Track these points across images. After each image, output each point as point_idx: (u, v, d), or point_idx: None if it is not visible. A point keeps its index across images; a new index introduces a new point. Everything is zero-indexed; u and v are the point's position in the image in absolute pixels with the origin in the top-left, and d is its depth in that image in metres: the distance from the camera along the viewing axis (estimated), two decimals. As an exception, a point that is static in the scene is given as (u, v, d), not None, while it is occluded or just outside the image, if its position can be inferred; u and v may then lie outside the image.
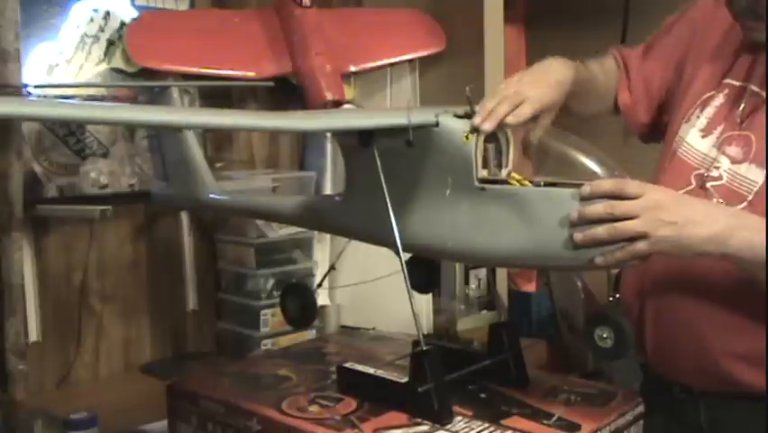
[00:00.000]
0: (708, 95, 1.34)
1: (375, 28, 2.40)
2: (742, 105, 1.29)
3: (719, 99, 1.32)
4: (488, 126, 1.18)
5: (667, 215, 1.10)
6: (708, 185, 1.26)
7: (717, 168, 1.27)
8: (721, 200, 1.24)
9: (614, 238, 1.09)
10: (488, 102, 1.20)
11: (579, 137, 1.22)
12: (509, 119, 1.19)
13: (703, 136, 1.32)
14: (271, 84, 2.12)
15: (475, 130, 1.18)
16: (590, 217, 1.09)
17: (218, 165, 2.14)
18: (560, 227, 1.11)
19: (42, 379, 1.91)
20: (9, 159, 1.75)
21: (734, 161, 1.26)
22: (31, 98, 1.78)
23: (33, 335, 1.86)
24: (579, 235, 1.10)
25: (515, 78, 1.27)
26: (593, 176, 1.15)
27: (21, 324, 1.78)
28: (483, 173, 1.20)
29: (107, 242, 2.02)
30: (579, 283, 2.17)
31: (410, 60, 2.40)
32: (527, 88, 1.23)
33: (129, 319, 2.06)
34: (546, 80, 1.27)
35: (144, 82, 1.99)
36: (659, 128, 1.49)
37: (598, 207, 1.09)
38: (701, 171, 1.29)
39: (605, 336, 1.16)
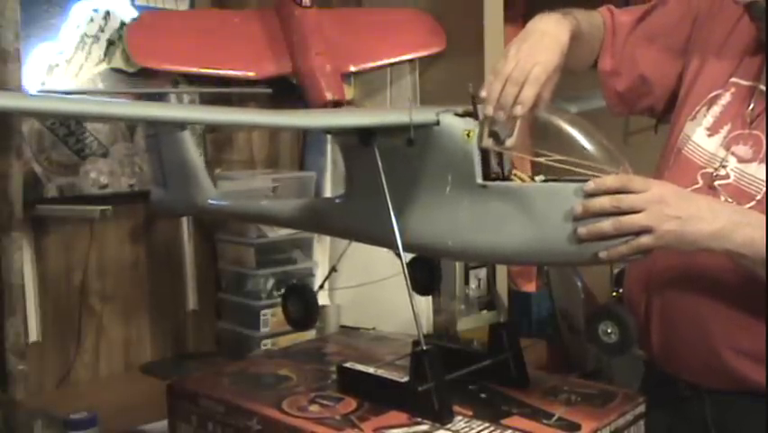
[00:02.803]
0: (715, 93, 1.33)
1: (375, 28, 2.40)
2: (751, 105, 1.28)
3: (726, 98, 1.32)
4: (502, 115, 1.18)
5: (671, 209, 1.10)
6: (716, 184, 1.26)
7: (725, 167, 1.27)
8: (730, 199, 1.24)
9: (619, 232, 1.09)
10: (494, 84, 1.19)
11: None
12: (516, 110, 1.18)
13: (709, 135, 1.31)
14: (269, 91, 2.13)
15: (486, 118, 1.19)
16: (595, 211, 1.09)
17: (217, 171, 2.14)
18: (563, 222, 1.11)
19: (42, 379, 1.91)
20: (9, 159, 1.75)
21: (741, 160, 1.26)
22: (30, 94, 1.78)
23: (33, 335, 1.86)
24: (583, 230, 1.10)
25: (512, 50, 1.23)
26: (595, 159, 1.14)
27: (21, 324, 1.78)
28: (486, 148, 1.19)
29: (107, 242, 2.02)
30: (579, 283, 2.16)
31: (410, 60, 2.40)
32: (528, 59, 1.21)
33: (129, 319, 2.06)
34: (545, 46, 1.24)
35: (145, 89, 1.99)
36: (633, 106, 1.48)
37: (604, 201, 1.09)
38: (709, 170, 1.28)
39: (609, 331, 1.14)
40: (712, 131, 1.31)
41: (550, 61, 1.23)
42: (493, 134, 1.19)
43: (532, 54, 1.22)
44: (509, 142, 1.20)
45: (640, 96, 1.47)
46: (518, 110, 1.18)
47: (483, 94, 1.20)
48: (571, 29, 1.30)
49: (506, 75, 1.19)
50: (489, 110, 1.18)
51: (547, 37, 1.26)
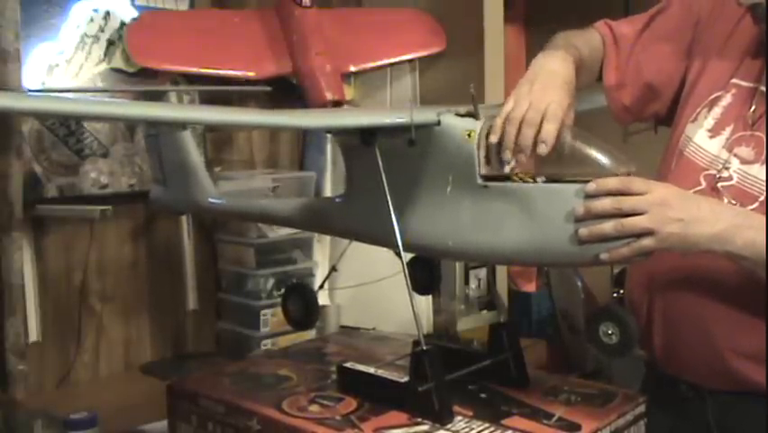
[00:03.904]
0: (716, 95, 1.33)
1: (375, 28, 2.41)
2: (752, 107, 1.28)
3: (727, 99, 1.32)
4: (523, 159, 1.15)
5: (673, 211, 1.10)
6: (719, 185, 1.26)
7: (728, 168, 1.27)
8: (733, 201, 1.24)
9: (620, 234, 1.09)
10: (508, 128, 1.16)
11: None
12: (541, 149, 1.15)
13: (711, 137, 1.31)
14: (268, 89, 2.13)
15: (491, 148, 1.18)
16: (597, 213, 1.09)
17: (217, 169, 2.14)
18: (564, 223, 1.11)
19: (42, 379, 1.91)
20: (9, 159, 1.75)
21: (744, 162, 1.26)
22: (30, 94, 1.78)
23: (33, 335, 1.86)
24: (584, 231, 1.10)
25: (523, 90, 1.21)
26: (603, 168, 1.13)
27: (21, 324, 1.78)
28: (486, 170, 1.19)
29: (107, 242, 2.02)
30: (579, 283, 2.17)
31: (410, 60, 2.40)
32: (541, 99, 1.18)
33: (129, 319, 2.06)
34: (555, 84, 1.23)
35: (145, 87, 1.99)
36: (639, 115, 1.48)
37: (606, 203, 1.09)
38: (712, 172, 1.28)
39: (610, 332, 1.14)
40: (714, 132, 1.31)
41: (564, 98, 1.21)
42: (492, 160, 1.19)
43: (544, 94, 1.19)
44: (508, 168, 1.20)
45: (647, 104, 1.46)
46: (543, 148, 1.15)
47: (494, 138, 1.17)
48: (576, 62, 1.30)
49: (519, 118, 1.16)
50: (508, 155, 1.16)
51: (557, 77, 1.24)
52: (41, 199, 1.87)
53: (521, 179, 1.19)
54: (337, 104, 2.12)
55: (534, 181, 1.18)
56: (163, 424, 1.43)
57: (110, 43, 1.98)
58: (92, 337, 2.00)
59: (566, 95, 1.23)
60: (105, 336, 2.02)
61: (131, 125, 1.98)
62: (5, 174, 1.74)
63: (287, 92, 2.19)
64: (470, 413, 1.20)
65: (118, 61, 2.00)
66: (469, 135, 1.19)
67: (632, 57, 1.45)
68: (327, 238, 2.16)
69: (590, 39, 1.45)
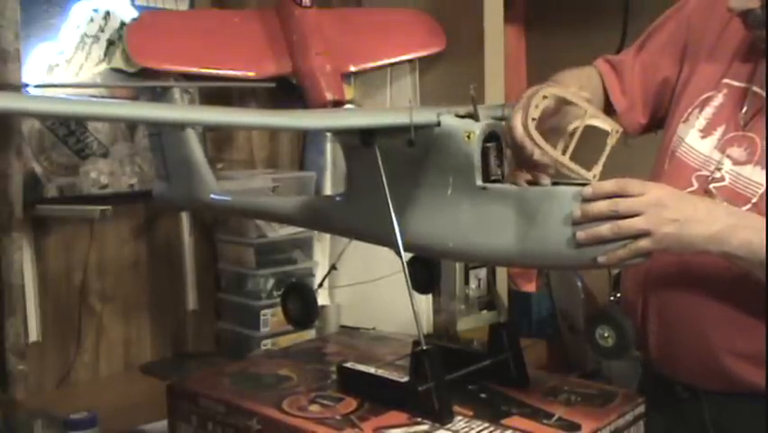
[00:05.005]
0: (708, 95, 1.34)
1: (375, 28, 2.41)
2: (744, 107, 1.28)
3: (718, 99, 1.32)
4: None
5: (669, 212, 1.10)
6: (711, 186, 1.26)
7: (720, 169, 1.27)
8: (725, 202, 1.24)
9: (617, 236, 1.09)
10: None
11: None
12: None
13: (703, 137, 1.31)
14: (272, 85, 2.13)
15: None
16: (594, 215, 1.10)
17: (219, 166, 2.14)
18: (562, 226, 1.12)
19: (42, 379, 1.91)
20: (9, 159, 1.75)
21: (736, 163, 1.26)
22: (29, 94, 1.78)
23: (33, 335, 1.86)
24: (582, 234, 1.10)
25: None
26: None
27: (21, 324, 1.78)
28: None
29: (107, 242, 2.02)
30: (579, 283, 2.17)
31: (410, 60, 2.40)
32: None
33: (129, 319, 2.06)
34: None
35: (145, 82, 1.99)
36: (652, 125, 1.49)
37: (602, 205, 1.09)
38: (704, 173, 1.29)
39: (606, 335, 1.15)
40: (705, 132, 1.32)
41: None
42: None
43: None
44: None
45: (658, 113, 1.48)
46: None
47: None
48: None
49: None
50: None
51: None
52: (41, 199, 1.87)
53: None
54: (337, 104, 2.12)
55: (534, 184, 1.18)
56: (163, 424, 1.43)
57: (110, 43, 1.98)
58: (92, 337, 2.00)
59: None
60: (105, 336, 2.02)
61: (131, 125, 1.98)
62: (5, 174, 1.74)
63: (287, 92, 2.19)
64: (471, 413, 1.20)
65: (118, 61, 2.00)
66: (468, 137, 1.19)
67: (635, 77, 1.47)
68: (327, 238, 2.16)
69: (584, 71, 1.48)
